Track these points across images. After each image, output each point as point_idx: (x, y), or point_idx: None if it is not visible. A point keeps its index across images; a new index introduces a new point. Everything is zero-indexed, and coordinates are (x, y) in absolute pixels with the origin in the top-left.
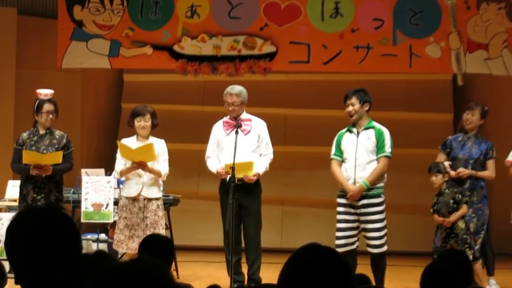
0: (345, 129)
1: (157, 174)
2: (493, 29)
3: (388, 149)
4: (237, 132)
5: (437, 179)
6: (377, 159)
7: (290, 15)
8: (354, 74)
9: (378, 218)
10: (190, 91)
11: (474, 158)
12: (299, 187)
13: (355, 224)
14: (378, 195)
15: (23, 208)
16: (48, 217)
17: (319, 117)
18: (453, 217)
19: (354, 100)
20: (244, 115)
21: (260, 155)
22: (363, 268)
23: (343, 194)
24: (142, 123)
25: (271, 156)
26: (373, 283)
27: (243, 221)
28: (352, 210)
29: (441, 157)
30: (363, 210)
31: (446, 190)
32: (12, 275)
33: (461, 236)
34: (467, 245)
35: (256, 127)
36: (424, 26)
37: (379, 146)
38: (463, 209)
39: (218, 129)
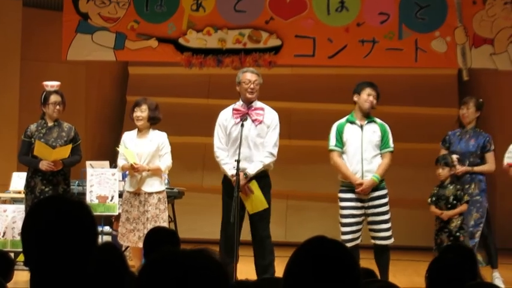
0: (343, 120)
1: (157, 171)
2: (499, 24)
3: (391, 144)
4: (242, 126)
5: (443, 172)
6: (381, 154)
7: (295, 9)
8: (359, 68)
9: (385, 210)
10: (195, 84)
11: (471, 151)
12: (304, 181)
13: (361, 218)
14: (384, 188)
15: (33, 199)
16: (70, 205)
17: (324, 111)
18: (452, 212)
19: (375, 94)
20: (258, 103)
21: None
22: (365, 262)
23: (348, 188)
24: (138, 113)
25: (273, 158)
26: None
27: (251, 220)
28: (359, 204)
29: (443, 153)
30: (371, 203)
31: (449, 185)
32: (18, 267)
33: (454, 233)
34: (459, 243)
35: (268, 119)
36: (429, 20)
37: (385, 141)
38: (463, 206)
39: (227, 116)
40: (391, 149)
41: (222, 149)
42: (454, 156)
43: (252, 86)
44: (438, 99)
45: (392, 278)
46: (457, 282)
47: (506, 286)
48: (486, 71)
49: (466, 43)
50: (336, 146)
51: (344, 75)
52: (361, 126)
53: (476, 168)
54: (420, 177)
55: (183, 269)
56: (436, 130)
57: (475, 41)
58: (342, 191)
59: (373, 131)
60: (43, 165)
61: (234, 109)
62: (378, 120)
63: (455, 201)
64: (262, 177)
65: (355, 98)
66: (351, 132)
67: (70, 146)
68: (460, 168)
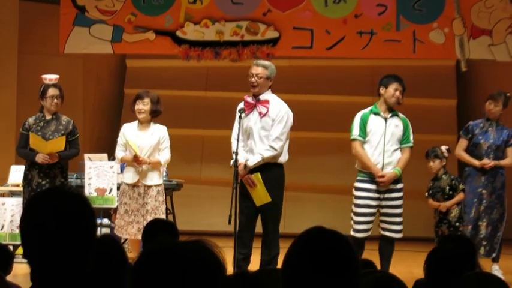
0: (367, 111)
1: (157, 164)
2: (496, 15)
3: (412, 139)
4: (240, 118)
5: (434, 164)
6: (401, 149)
7: (293, 1)
8: (357, 60)
9: (400, 204)
10: (193, 76)
11: (497, 145)
12: (302, 173)
13: (375, 210)
14: (401, 182)
15: (30, 192)
16: (68, 198)
17: (322, 102)
18: (449, 202)
19: (402, 89)
20: (267, 95)
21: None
22: (366, 253)
23: (366, 179)
24: (141, 106)
25: (274, 152)
26: (378, 268)
27: (261, 212)
28: (376, 195)
29: (463, 142)
30: (387, 195)
31: (443, 176)
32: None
33: (453, 223)
34: (459, 233)
35: (273, 112)
36: (427, 11)
37: (406, 136)
38: (459, 195)
39: (240, 108)
40: (411, 144)
41: (235, 139)
42: (444, 148)
43: (252, 79)
44: (436, 91)
45: (391, 269)
46: (456, 273)
47: (506, 276)
48: (484, 62)
49: (464, 34)
50: (359, 135)
51: (342, 67)
52: (385, 119)
53: (503, 162)
54: (418, 168)
55: (178, 260)
56: (434, 121)
57: (473, 32)
58: (359, 181)
59: (396, 125)
60: (39, 158)
61: (245, 101)
62: (400, 114)
63: (451, 192)
64: (269, 169)
65: (381, 91)
66: (375, 123)
67: (63, 138)
68: (490, 163)
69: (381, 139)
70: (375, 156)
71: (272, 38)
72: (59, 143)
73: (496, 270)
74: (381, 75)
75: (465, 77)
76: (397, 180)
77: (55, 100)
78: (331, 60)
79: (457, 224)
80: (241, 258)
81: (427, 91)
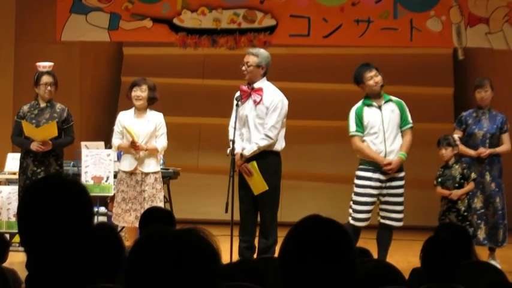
0: (360, 104)
1: (154, 151)
2: (494, 3)
3: (410, 119)
4: (237, 106)
5: (447, 152)
6: (402, 132)
7: None
8: (354, 48)
9: (401, 192)
10: (190, 64)
11: (491, 133)
12: (299, 161)
13: (376, 199)
14: (402, 169)
15: (25, 180)
16: (65, 185)
17: (319, 90)
18: (461, 191)
19: (376, 72)
20: (260, 83)
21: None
22: (361, 242)
23: (369, 167)
24: (138, 92)
25: (270, 140)
26: (374, 256)
27: (258, 201)
28: (378, 184)
29: (457, 134)
30: (389, 184)
31: (455, 165)
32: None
33: (462, 213)
34: (468, 222)
35: (268, 100)
36: None
37: (404, 118)
38: (470, 185)
39: (237, 96)
40: (411, 125)
41: (232, 127)
42: (456, 136)
43: (243, 68)
44: (433, 79)
45: (388, 257)
46: (452, 262)
47: (503, 265)
48: (481, 50)
49: (461, 22)
50: (356, 131)
51: (339, 55)
52: (380, 107)
53: (499, 149)
54: (416, 156)
55: (172, 248)
56: (431, 110)
57: (470, 20)
58: (361, 170)
59: (391, 110)
60: (33, 146)
61: (240, 89)
62: (394, 98)
63: (462, 181)
64: (265, 157)
65: (362, 88)
66: (370, 115)
67: (54, 123)
68: (486, 151)
69: (380, 128)
70: (376, 145)
71: (269, 25)
72: (50, 129)
73: (493, 259)
74: (378, 63)
75: (462, 65)
76: (399, 168)
77: (48, 87)
78: (328, 48)
79: (466, 213)
80: (245, 247)
81: (424, 79)
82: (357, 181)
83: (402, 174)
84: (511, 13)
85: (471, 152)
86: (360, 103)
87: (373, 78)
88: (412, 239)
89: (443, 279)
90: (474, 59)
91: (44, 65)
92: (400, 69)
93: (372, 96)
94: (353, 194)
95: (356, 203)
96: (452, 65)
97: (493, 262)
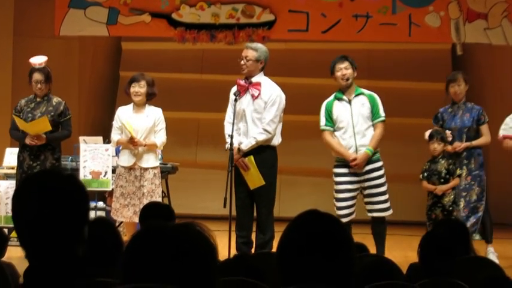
0: (331, 98)
1: (153, 146)
2: None
3: (382, 113)
4: (236, 100)
5: (439, 147)
6: (373, 125)
7: None
8: (352, 43)
9: (381, 182)
10: (188, 59)
11: (467, 126)
12: (297, 156)
13: (356, 193)
14: (378, 160)
15: (21, 174)
16: (60, 179)
17: (318, 85)
18: (445, 186)
19: (347, 64)
20: (258, 77)
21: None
22: (358, 237)
23: (342, 163)
24: (137, 88)
25: (268, 135)
26: (372, 251)
27: (254, 196)
28: (355, 179)
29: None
30: (367, 176)
31: (441, 160)
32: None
33: (447, 208)
34: (453, 217)
35: (266, 94)
36: None
37: (375, 112)
38: (455, 180)
39: (234, 91)
40: (382, 119)
41: (229, 123)
42: (448, 132)
43: (242, 62)
44: (432, 74)
45: (386, 253)
46: (449, 257)
47: (500, 260)
48: (480, 46)
49: (460, 18)
50: (326, 125)
51: (338, 50)
52: (349, 101)
53: (475, 142)
54: (413, 152)
55: (169, 242)
56: (429, 105)
57: (469, 15)
58: (336, 166)
59: (361, 104)
60: (27, 140)
61: (237, 84)
62: (366, 91)
63: (448, 176)
64: (262, 151)
65: (334, 79)
66: (340, 109)
67: (45, 118)
68: (461, 145)
69: (349, 122)
70: (346, 140)
71: (268, 21)
72: (42, 124)
73: (492, 252)
74: (376, 58)
75: (460, 61)
76: (373, 160)
77: (39, 85)
78: (326, 43)
79: (451, 208)
80: (242, 242)
81: (423, 75)
82: (335, 178)
83: (379, 164)
84: (509, 8)
85: (448, 147)
86: (331, 97)
87: (342, 70)
88: (410, 234)
89: (441, 274)
90: (473, 54)
91: (35, 62)
92: (398, 65)
93: (343, 90)
94: (334, 191)
95: (337, 200)
96: (451, 61)
97: (490, 256)
